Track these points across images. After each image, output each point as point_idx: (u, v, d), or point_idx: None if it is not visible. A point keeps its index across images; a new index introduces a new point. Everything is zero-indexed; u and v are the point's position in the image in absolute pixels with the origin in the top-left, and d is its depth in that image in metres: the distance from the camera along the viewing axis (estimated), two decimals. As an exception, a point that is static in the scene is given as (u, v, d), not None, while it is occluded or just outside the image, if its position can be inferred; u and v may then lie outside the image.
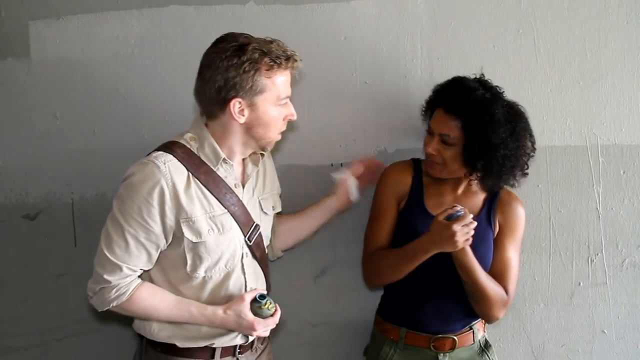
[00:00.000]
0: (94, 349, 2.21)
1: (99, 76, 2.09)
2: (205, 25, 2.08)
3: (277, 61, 1.51)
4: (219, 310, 1.59)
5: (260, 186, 1.74)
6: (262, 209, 1.73)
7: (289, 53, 1.55)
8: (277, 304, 1.66)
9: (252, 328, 1.59)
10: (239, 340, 1.69)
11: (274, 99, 1.55)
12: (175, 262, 1.59)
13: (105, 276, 1.53)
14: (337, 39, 2.09)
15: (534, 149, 1.78)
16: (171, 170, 1.52)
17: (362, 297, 2.18)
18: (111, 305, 1.56)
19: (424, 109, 1.87)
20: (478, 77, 1.79)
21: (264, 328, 1.62)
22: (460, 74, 1.83)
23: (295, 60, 1.56)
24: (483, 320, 1.86)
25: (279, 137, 1.64)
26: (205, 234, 1.55)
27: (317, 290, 2.20)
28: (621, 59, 2.04)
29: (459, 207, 1.64)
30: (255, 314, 1.61)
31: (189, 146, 1.58)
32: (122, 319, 2.15)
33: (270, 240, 1.87)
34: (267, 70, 1.51)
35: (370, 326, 2.00)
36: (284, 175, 2.13)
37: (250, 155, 1.68)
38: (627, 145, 2.06)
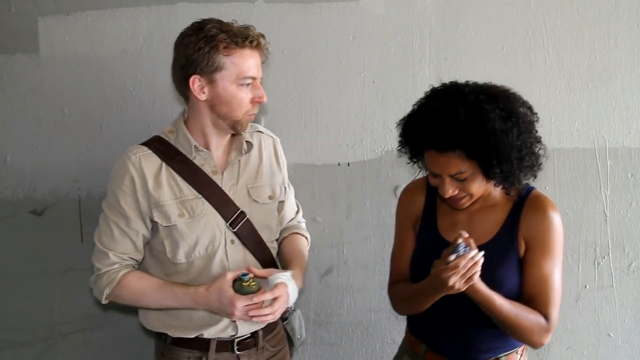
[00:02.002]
0: (100, 344, 2.22)
1: (108, 72, 2.10)
2: (214, 23, 2.08)
3: (234, 39, 1.54)
4: (201, 288, 1.60)
5: (251, 175, 1.73)
6: (250, 197, 1.72)
7: (249, 33, 1.57)
8: (262, 286, 1.57)
9: (232, 304, 1.55)
10: (230, 331, 1.68)
11: (233, 77, 1.57)
12: (161, 251, 1.65)
13: (96, 264, 1.65)
14: (345, 38, 2.09)
15: (536, 116, 1.53)
16: (141, 160, 1.62)
17: (367, 297, 2.19)
18: (105, 292, 1.63)
19: (403, 148, 1.60)
20: (436, 88, 1.55)
21: (244, 304, 1.55)
22: (469, 74, 1.70)
23: (255, 41, 1.57)
24: (518, 351, 1.66)
25: (249, 118, 1.64)
26: (175, 218, 1.61)
27: (323, 290, 2.20)
28: (631, 61, 2.04)
29: (458, 242, 1.46)
30: (237, 291, 1.56)
31: (166, 138, 1.67)
32: (127, 315, 2.17)
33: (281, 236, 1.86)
34: (225, 48, 1.54)
35: (375, 326, 1.99)
36: (291, 174, 2.13)
37: (234, 143, 1.70)
38: (635, 148, 2.06)
